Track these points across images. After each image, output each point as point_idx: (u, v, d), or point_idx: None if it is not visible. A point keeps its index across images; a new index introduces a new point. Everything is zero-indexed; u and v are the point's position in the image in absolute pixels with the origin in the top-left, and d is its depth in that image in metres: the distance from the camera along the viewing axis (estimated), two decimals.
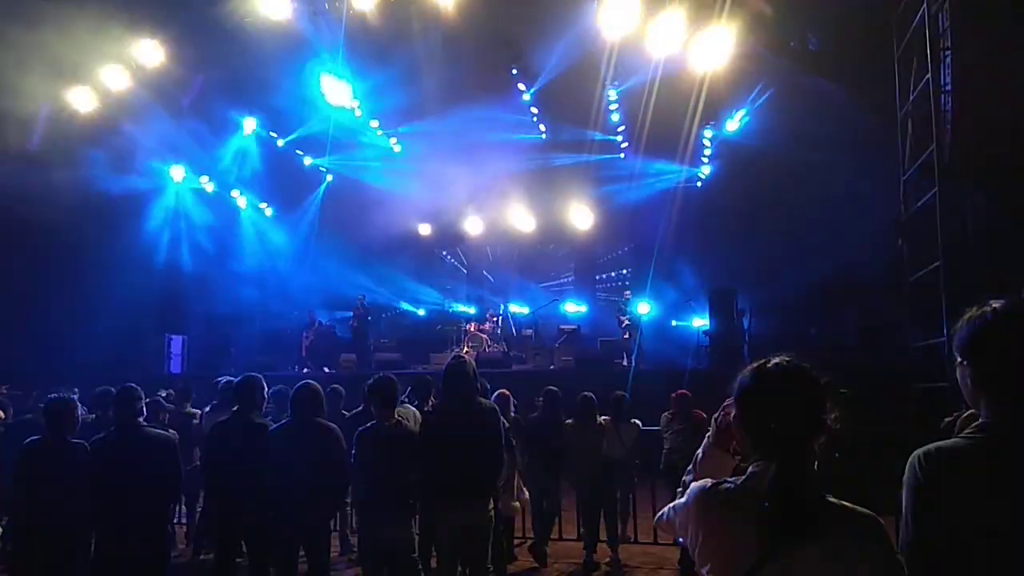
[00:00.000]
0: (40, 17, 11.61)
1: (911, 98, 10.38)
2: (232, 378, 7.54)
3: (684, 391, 8.06)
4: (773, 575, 1.70)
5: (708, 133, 16.14)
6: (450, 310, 19.08)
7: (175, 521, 6.81)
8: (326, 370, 15.31)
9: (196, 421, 7.56)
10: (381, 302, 19.02)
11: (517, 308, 18.32)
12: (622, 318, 15.15)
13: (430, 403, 6.47)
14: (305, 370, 15.87)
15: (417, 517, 5.40)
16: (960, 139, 8.99)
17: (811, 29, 11.89)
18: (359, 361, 15.20)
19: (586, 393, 7.47)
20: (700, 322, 16.20)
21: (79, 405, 5.09)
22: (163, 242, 17.39)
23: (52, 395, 4.97)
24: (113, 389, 5.14)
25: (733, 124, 15.55)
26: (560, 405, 7.45)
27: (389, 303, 19.47)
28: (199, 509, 7.17)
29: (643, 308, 16.15)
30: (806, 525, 1.69)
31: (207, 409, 7.60)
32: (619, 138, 17.23)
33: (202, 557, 7.01)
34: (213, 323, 17.38)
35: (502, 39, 14.66)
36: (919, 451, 1.79)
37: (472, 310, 18.40)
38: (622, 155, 17.62)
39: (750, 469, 1.82)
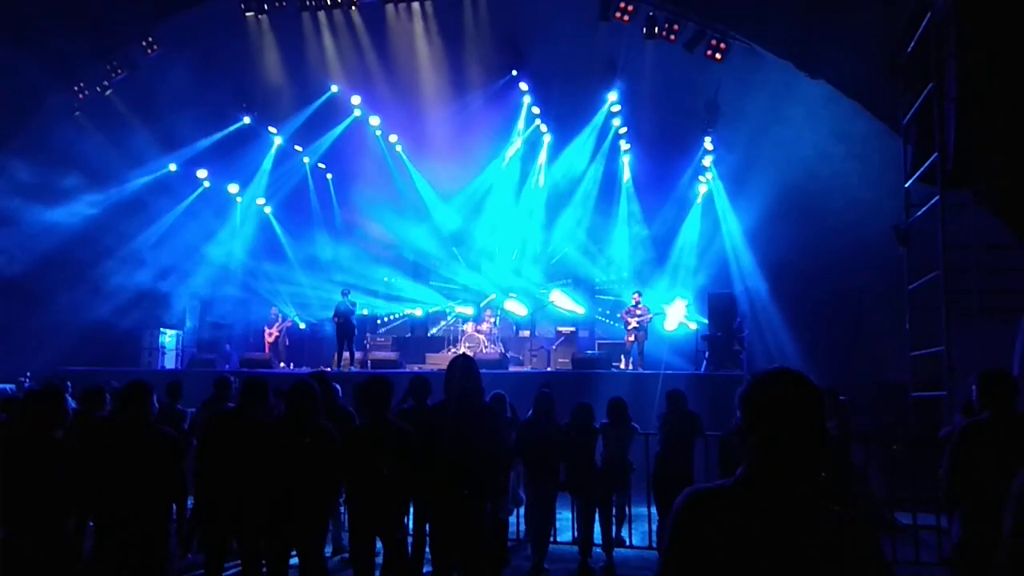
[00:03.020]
0: None
1: (915, 105, 10.34)
2: (229, 376, 7.50)
3: (678, 389, 7.88)
4: (759, 568, 1.75)
5: (708, 140, 16.08)
6: (449, 313, 18.93)
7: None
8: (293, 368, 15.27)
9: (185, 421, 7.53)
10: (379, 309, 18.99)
11: (515, 305, 18.23)
12: (630, 320, 14.93)
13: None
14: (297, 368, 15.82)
15: (409, 517, 5.37)
16: (962, 148, 8.94)
17: (815, 36, 11.85)
18: (351, 359, 15.11)
19: (584, 402, 7.40)
20: (693, 326, 16.20)
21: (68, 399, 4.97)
22: (163, 235, 17.40)
23: (36, 386, 4.85)
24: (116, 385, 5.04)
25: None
26: (554, 408, 7.34)
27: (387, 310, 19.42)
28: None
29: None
30: (796, 522, 1.77)
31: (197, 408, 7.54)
32: (622, 140, 17.21)
33: (190, 556, 6.93)
34: (209, 319, 17.32)
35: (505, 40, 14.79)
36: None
37: (471, 310, 18.31)
38: (622, 157, 17.60)
39: (739, 471, 1.89)
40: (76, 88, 15.30)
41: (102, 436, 4.72)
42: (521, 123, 17.36)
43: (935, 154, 9.47)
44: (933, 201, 9.72)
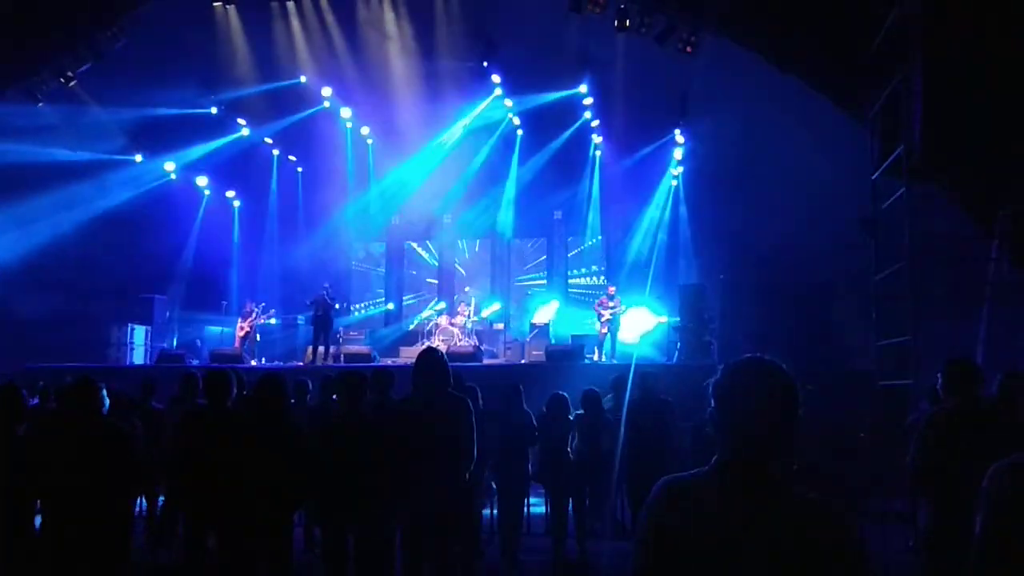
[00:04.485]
0: None
1: (881, 98, 10.48)
2: (193, 372, 7.40)
3: (648, 372, 7.85)
4: (735, 553, 1.76)
5: (678, 133, 16.19)
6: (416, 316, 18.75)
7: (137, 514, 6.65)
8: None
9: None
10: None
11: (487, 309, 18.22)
12: (603, 311, 14.97)
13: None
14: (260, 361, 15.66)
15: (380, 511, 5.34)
16: (928, 141, 9.08)
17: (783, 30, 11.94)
18: (324, 354, 15.00)
19: (559, 393, 7.41)
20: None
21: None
22: (130, 227, 17.05)
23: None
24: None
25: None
26: (521, 398, 7.31)
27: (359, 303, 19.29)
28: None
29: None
30: (770, 509, 1.78)
31: (168, 403, 7.42)
32: (594, 133, 17.26)
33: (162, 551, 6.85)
34: (178, 313, 17.09)
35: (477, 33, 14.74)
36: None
37: (443, 305, 18.26)
38: (594, 150, 17.68)
39: (714, 459, 1.91)
40: (39, 79, 14.92)
41: (52, 430, 4.67)
42: (481, 110, 17.14)
43: (901, 147, 9.61)
44: (899, 193, 9.87)
